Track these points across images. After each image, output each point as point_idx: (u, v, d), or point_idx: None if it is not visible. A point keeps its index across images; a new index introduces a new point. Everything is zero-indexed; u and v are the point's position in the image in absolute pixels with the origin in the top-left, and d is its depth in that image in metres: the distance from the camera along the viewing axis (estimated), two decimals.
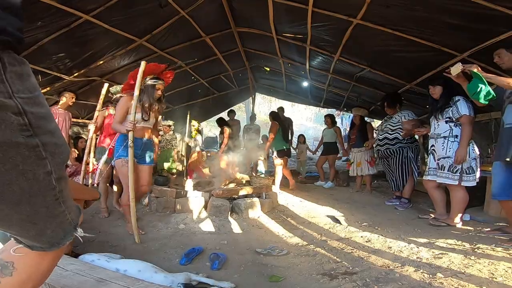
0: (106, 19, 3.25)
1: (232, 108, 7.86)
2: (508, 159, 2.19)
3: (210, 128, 17.73)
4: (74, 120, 4.03)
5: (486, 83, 2.30)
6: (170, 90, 5.47)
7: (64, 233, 0.80)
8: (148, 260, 1.88)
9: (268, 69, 6.20)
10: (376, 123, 8.25)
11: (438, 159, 2.85)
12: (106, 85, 3.28)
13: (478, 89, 2.30)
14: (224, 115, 7.99)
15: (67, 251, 1.83)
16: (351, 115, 6.22)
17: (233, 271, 1.96)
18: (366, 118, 5.36)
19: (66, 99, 3.74)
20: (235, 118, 7.58)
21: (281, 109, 6.83)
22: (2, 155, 0.60)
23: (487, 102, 2.37)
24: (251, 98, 8.20)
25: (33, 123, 0.63)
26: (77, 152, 4.06)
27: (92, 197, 2.08)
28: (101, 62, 3.98)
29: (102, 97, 3.15)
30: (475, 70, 2.30)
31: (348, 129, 6.84)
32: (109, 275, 1.46)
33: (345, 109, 7.08)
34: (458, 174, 2.71)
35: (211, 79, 6.29)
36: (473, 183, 2.70)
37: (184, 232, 2.81)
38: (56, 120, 3.23)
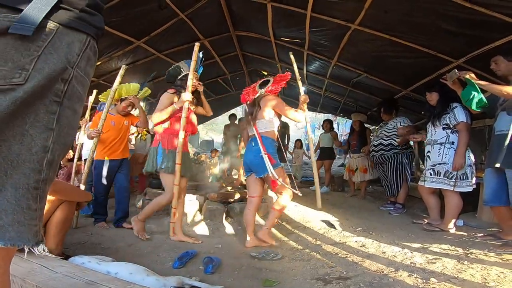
0: (104, 19, 3.24)
1: (233, 112, 7.76)
2: (498, 165, 2.21)
3: (207, 131, 17.73)
4: None
5: (479, 90, 2.33)
6: None
7: (20, 237, 0.64)
8: (140, 263, 1.85)
9: (266, 73, 6.22)
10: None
11: (434, 165, 2.87)
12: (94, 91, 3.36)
13: (471, 96, 2.33)
14: (222, 118, 7.84)
15: (58, 253, 1.79)
16: (347, 120, 6.26)
17: (227, 275, 1.94)
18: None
19: None
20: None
21: None
22: (23, 107, 0.61)
23: (479, 110, 2.40)
24: None
25: (67, 95, 0.69)
26: (73, 153, 3.99)
27: (85, 199, 2.07)
28: (98, 63, 3.96)
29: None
30: (468, 77, 2.33)
31: (343, 134, 6.88)
32: (100, 278, 1.44)
33: (341, 114, 7.12)
34: (453, 180, 2.74)
35: (208, 82, 6.31)
36: (468, 189, 2.73)
37: None
38: None
